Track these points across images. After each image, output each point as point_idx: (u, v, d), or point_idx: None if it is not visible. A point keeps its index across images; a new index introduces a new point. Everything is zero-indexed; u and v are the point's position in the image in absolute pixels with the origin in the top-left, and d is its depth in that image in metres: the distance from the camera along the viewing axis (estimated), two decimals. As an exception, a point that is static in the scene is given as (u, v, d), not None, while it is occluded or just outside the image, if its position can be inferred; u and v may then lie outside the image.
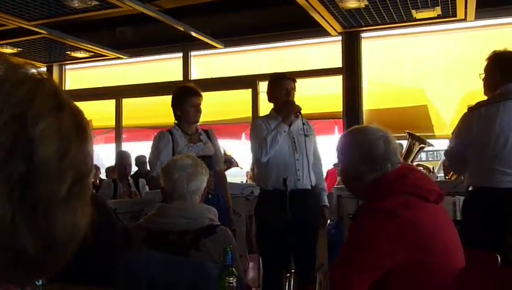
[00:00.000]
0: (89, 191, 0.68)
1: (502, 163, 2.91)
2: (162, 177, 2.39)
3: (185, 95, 3.64)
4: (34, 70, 0.65)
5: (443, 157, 3.41)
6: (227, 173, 5.99)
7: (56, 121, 0.61)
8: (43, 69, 7.76)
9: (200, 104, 3.64)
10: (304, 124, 3.68)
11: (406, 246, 1.70)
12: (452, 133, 3.24)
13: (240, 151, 6.88)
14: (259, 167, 3.71)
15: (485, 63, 3.18)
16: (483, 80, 3.20)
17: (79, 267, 1.65)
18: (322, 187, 3.83)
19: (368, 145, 1.92)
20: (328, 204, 3.87)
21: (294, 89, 3.68)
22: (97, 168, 7.34)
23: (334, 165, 6.00)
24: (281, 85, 3.66)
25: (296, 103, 3.61)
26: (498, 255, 2.00)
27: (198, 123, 3.77)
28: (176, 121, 3.69)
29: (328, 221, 4.15)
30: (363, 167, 1.93)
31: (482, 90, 3.27)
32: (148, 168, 3.76)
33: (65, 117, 0.63)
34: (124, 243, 2.65)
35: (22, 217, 0.58)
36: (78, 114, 0.67)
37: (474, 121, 2.98)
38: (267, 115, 3.81)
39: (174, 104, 3.67)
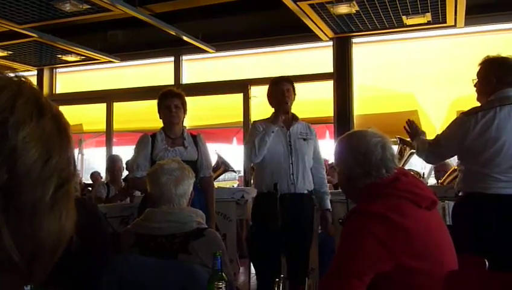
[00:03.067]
0: (73, 195, 0.67)
1: (495, 169, 2.91)
2: (149, 181, 2.38)
3: (160, 98, 3.65)
4: (12, 75, 0.64)
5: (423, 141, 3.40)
6: (222, 176, 5.99)
7: (38, 127, 0.60)
8: (34, 72, 7.73)
9: (176, 104, 3.59)
10: (308, 128, 3.71)
11: (395, 251, 1.70)
12: (442, 135, 3.21)
13: (231, 155, 6.87)
14: (256, 169, 3.74)
15: (478, 68, 3.17)
16: (475, 85, 3.20)
17: (68, 272, 1.64)
18: (325, 191, 3.80)
19: (364, 150, 1.93)
20: (330, 208, 3.83)
21: (291, 91, 3.67)
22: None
23: (332, 167, 6.00)
24: (276, 88, 3.68)
25: (288, 105, 3.60)
26: (486, 260, 2.01)
27: (185, 126, 3.76)
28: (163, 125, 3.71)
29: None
30: (358, 171, 1.93)
31: (472, 95, 3.26)
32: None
33: (47, 122, 0.62)
34: (113, 248, 2.64)
35: (6, 226, 0.57)
36: (59, 118, 0.66)
37: (471, 127, 2.97)
38: (267, 118, 3.79)
39: (157, 110, 3.69)
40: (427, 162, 3.56)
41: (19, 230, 0.59)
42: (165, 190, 2.29)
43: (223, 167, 5.83)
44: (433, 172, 5.54)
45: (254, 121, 3.94)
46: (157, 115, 3.71)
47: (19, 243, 0.59)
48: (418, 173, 5.13)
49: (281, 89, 3.63)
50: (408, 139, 4.52)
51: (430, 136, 5.82)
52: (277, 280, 1.45)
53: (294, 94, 3.72)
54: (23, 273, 0.61)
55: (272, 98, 3.70)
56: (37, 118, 0.61)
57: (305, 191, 3.63)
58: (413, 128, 3.51)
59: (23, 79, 0.65)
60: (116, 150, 7.49)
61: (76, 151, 5.85)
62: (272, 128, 3.51)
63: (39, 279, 0.66)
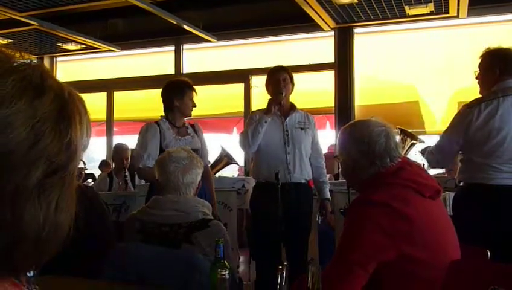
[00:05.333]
0: (72, 184, 0.63)
1: (497, 160, 2.91)
2: (157, 169, 2.39)
3: (186, 88, 3.62)
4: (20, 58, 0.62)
5: (428, 149, 3.40)
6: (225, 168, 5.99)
7: (28, 107, 0.58)
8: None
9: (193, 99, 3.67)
10: (307, 117, 3.71)
11: (397, 240, 1.70)
12: (446, 130, 3.21)
13: (231, 145, 6.89)
14: (254, 159, 3.76)
15: (479, 59, 3.16)
16: (477, 76, 3.19)
17: (70, 259, 1.64)
18: (323, 180, 3.80)
19: (368, 140, 1.93)
20: (329, 197, 3.84)
21: (288, 80, 3.65)
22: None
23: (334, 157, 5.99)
24: (273, 77, 3.67)
25: (282, 95, 3.57)
26: (488, 250, 2.02)
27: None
28: (163, 114, 3.67)
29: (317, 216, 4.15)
30: (362, 160, 1.93)
31: (473, 86, 3.26)
32: (133, 160, 3.75)
33: (44, 103, 0.60)
34: (115, 236, 2.64)
35: None
36: (66, 101, 0.63)
37: (474, 117, 2.96)
38: (264, 108, 3.80)
39: (174, 94, 3.61)
40: (439, 167, 3.54)
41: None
42: (172, 178, 2.29)
43: (226, 159, 5.81)
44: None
45: (252, 111, 3.94)
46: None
47: None
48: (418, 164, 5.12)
49: (276, 79, 3.64)
50: (409, 130, 4.53)
51: (431, 127, 5.87)
52: (280, 267, 1.45)
53: (293, 84, 3.71)
54: (5, 262, 0.59)
55: (269, 87, 3.71)
56: (30, 97, 0.59)
57: (303, 181, 3.63)
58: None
59: (32, 61, 0.63)
60: (117, 140, 7.48)
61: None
62: (264, 119, 3.52)
63: (25, 269, 0.63)
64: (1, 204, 0.56)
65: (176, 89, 3.62)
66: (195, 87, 3.70)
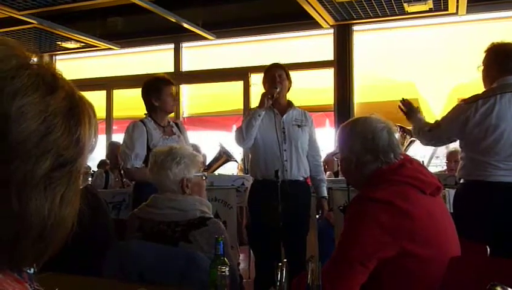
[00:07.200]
0: (78, 180, 0.65)
1: (495, 157, 2.91)
2: (149, 170, 2.40)
3: (162, 84, 3.58)
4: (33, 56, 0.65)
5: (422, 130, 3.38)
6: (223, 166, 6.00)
7: (41, 101, 0.60)
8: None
9: (174, 93, 3.61)
10: (304, 115, 3.70)
11: (398, 237, 1.70)
12: (442, 121, 3.20)
13: (230, 143, 6.89)
14: (251, 156, 3.76)
15: (484, 54, 3.15)
16: (482, 72, 3.18)
17: (71, 257, 1.65)
18: (321, 179, 3.79)
19: (372, 135, 1.91)
20: (326, 195, 3.83)
21: (284, 76, 3.65)
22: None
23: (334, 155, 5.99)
24: (269, 74, 3.68)
25: (276, 90, 3.56)
26: (487, 246, 2.02)
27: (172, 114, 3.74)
28: (146, 113, 3.65)
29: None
30: (366, 156, 1.92)
31: (472, 83, 3.27)
32: (120, 160, 3.66)
33: (56, 99, 0.62)
34: (115, 234, 2.65)
35: None
36: (76, 101, 0.65)
37: (471, 114, 2.96)
38: None
39: (151, 94, 3.57)
40: (426, 145, 3.58)
41: (5, 203, 0.58)
42: (158, 178, 2.30)
43: (224, 156, 5.81)
44: (433, 160, 5.55)
45: (250, 109, 3.94)
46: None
47: (3, 217, 0.58)
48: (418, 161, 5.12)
49: (272, 75, 3.63)
50: (408, 128, 4.53)
51: (431, 124, 5.86)
52: (279, 264, 1.45)
53: (290, 81, 3.70)
54: (8, 253, 0.60)
55: (266, 85, 3.71)
56: (43, 92, 0.61)
57: (300, 178, 3.62)
58: (407, 107, 3.52)
59: (43, 59, 0.67)
60: (116, 138, 7.49)
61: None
62: (258, 112, 3.51)
63: (27, 263, 0.64)
64: (8, 191, 0.58)
65: (152, 89, 3.58)
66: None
